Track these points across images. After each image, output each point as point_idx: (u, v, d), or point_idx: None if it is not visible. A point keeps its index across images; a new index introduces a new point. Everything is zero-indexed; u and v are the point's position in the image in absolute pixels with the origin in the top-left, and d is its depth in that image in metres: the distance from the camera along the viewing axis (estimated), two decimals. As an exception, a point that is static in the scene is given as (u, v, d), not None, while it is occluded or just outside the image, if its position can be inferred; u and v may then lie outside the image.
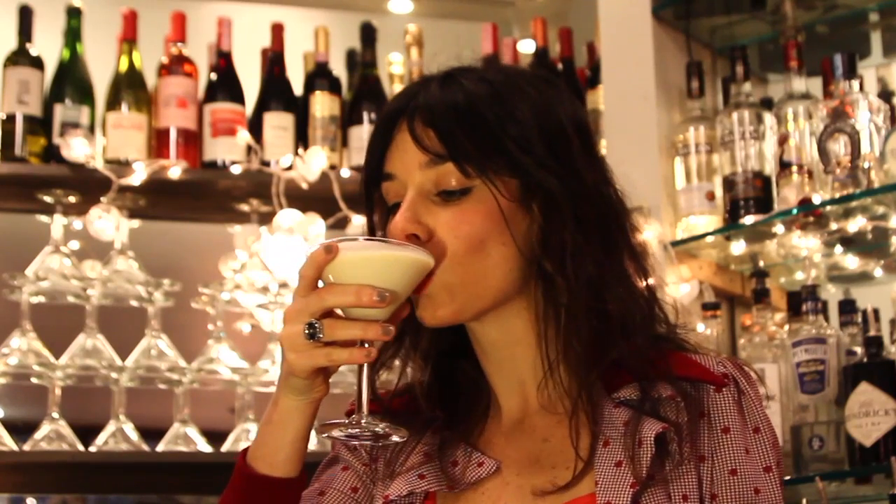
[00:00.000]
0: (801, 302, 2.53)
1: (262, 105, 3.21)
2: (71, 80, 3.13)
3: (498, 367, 1.39)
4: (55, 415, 2.97)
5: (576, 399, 1.33)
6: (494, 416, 1.40)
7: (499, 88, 1.34)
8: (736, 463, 1.31)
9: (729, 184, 2.68)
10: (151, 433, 3.05)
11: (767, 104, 2.79)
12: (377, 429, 1.24)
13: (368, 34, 3.31)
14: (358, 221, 3.08)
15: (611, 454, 1.29)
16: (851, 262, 2.81)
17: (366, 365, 1.25)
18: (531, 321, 1.35)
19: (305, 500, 1.38)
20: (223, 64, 3.21)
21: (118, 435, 2.99)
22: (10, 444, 2.93)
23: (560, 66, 3.31)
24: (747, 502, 1.30)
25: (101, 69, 3.16)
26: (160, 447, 3.02)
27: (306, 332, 1.23)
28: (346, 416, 1.26)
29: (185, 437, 3.02)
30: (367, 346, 1.23)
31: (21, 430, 3.05)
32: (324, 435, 1.25)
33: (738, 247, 2.74)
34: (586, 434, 1.32)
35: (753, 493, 1.30)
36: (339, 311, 1.25)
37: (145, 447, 3.01)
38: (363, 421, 1.24)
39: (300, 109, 3.22)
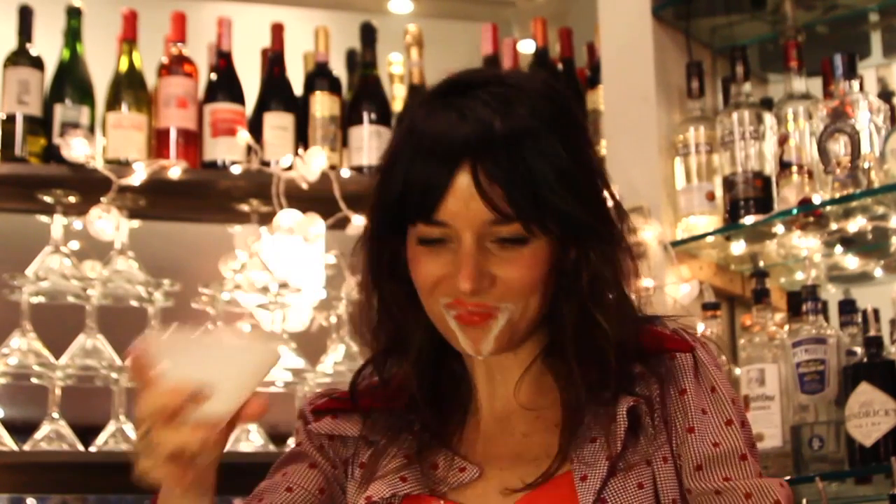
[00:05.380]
0: (801, 302, 2.53)
1: (262, 105, 3.21)
2: (71, 80, 3.13)
3: (487, 369, 1.41)
4: (55, 415, 2.97)
5: (562, 395, 1.38)
6: (474, 415, 1.42)
7: (552, 133, 1.33)
8: (693, 422, 1.35)
9: (729, 184, 2.68)
10: (151, 433, 3.04)
11: (767, 104, 2.79)
12: None
13: (368, 34, 3.31)
14: (358, 221, 3.08)
15: (585, 432, 1.34)
16: (851, 262, 2.81)
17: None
18: (539, 337, 1.40)
19: (270, 492, 1.41)
20: (223, 64, 3.21)
21: (118, 435, 2.99)
22: (10, 444, 2.93)
23: (560, 66, 3.31)
24: (705, 456, 1.33)
25: (101, 69, 3.16)
26: (160, 447, 3.02)
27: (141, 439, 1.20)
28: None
29: (185, 438, 3.01)
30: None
31: (21, 430, 3.04)
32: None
33: (738, 247, 2.74)
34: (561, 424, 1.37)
35: (712, 447, 1.34)
36: None
37: (145, 447, 3.01)
38: None
39: (300, 109, 3.22)
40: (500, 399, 1.41)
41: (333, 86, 3.25)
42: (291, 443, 3.05)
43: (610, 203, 1.39)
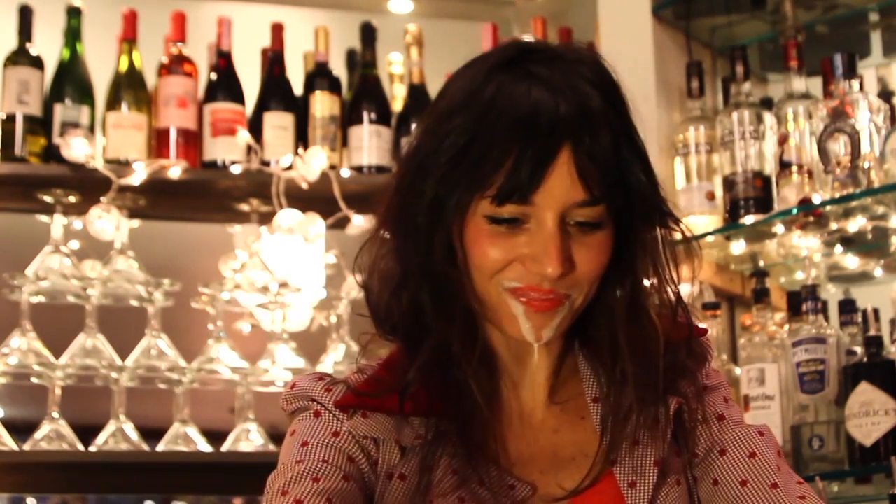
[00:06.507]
0: (801, 302, 2.53)
1: (262, 105, 3.21)
2: (71, 80, 3.13)
3: (521, 360, 1.35)
4: (55, 415, 2.97)
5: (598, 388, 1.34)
6: (497, 414, 1.35)
7: (625, 110, 1.30)
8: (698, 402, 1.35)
9: (729, 184, 2.68)
10: (151, 433, 3.05)
11: (767, 104, 2.79)
12: None
13: (368, 34, 3.31)
14: (358, 221, 3.08)
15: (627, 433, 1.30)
16: (851, 262, 2.81)
17: None
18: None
19: (322, 475, 1.25)
20: (223, 64, 3.21)
21: (118, 435, 2.99)
22: (10, 444, 2.93)
23: (560, 65, 3.30)
24: (713, 436, 1.33)
25: (101, 69, 3.16)
26: (160, 447, 3.02)
27: None
28: None
29: (185, 437, 3.02)
30: None
31: (21, 430, 3.04)
32: None
33: (738, 247, 2.74)
34: (594, 416, 1.33)
35: (717, 421, 1.34)
36: None
37: (145, 447, 3.01)
38: None
39: (300, 109, 3.22)
40: (526, 391, 1.35)
41: (333, 85, 3.25)
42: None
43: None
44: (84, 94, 3.13)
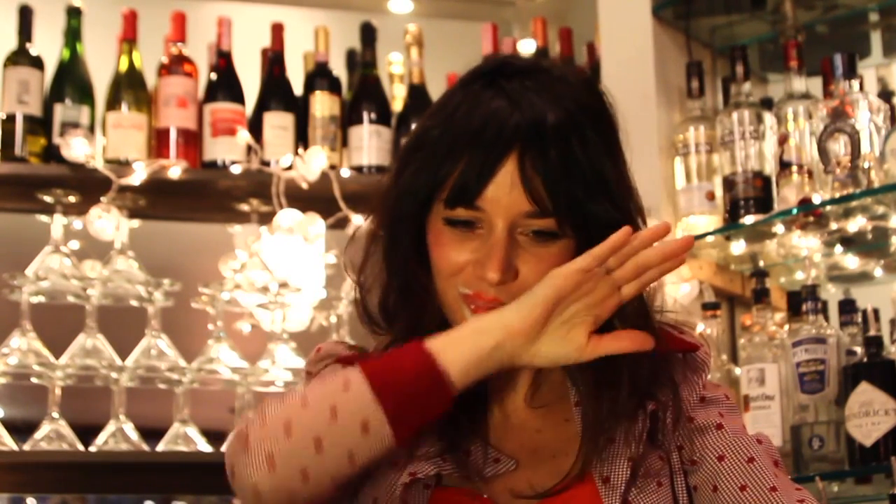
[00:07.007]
0: (801, 302, 2.53)
1: (262, 105, 3.21)
2: (71, 80, 3.13)
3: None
4: (55, 415, 2.97)
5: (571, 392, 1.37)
6: (481, 406, 1.38)
7: (595, 132, 1.31)
8: (693, 412, 1.37)
9: (729, 184, 2.68)
10: (151, 433, 3.05)
11: (767, 104, 2.79)
12: None
13: (368, 34, 3.31)
14: (357, 221, 3.08)
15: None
16: (851, 262, 2.81)
17: None
18: None
19: None
20: (223, 64, 3.21)
21: (118, 435, 2.99)
22: (10, 444, 2.93)
23: (560, 66, 3.30)
24: (711, 441, 1.35)
25: (101, 69, 3.16)
26: (160, 447, 3.02)
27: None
28: None
29: (185, 437, 3.02)
30: None
31: (21, 430, 3.05)
32: None
33: (738, 247, 2.74)
34: (577, 420, 1.36)
35: (716, 430, 1.36)
36: None
37: (145, 447, 3.01)
38: None
39: (300, 109, 3.22)
40: (506, 394, 1.39)
41: (333, 85, 3.24)
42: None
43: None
44: (84, 94, 3.13)
